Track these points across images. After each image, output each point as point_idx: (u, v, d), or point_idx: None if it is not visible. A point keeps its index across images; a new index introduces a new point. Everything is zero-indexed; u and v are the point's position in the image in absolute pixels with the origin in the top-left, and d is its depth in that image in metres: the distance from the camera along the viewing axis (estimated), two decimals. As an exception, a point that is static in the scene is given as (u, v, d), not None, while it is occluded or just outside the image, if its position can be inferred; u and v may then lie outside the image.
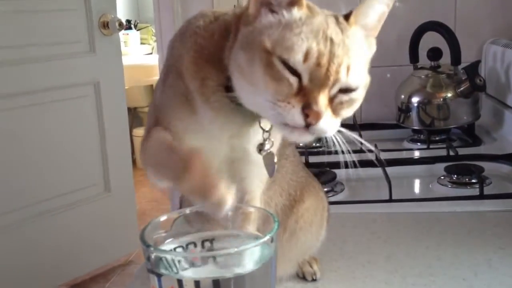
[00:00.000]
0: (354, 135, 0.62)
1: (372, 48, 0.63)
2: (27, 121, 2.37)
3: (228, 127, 0.64)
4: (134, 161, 3.27)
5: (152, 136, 0.65)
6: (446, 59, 1.53)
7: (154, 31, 4.55)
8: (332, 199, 1.13)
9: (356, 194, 1.19)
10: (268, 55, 0.55)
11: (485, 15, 1.72)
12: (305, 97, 0.55)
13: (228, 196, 0.53)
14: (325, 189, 1.09)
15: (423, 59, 1.58)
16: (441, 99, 1.51)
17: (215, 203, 0.52)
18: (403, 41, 1.64)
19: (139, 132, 4.43)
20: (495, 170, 1.26)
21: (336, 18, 0.59)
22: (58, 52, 2.44)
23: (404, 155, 1.44)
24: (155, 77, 4.13)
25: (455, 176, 1.22)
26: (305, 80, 0.55)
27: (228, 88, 0.62)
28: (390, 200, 1.11)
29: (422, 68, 1.58)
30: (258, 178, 0.69)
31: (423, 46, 1.59)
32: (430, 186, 1.23)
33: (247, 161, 0.67)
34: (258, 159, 0.67)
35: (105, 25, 2.59)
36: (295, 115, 0.55)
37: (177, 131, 0.65)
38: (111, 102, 2.68)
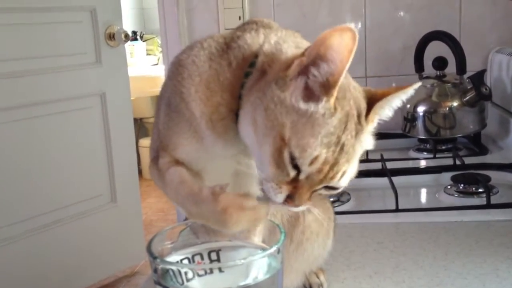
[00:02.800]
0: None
1: (371, 143, 0.64)
2: (33, 133, 2.38)
3: (230, 147, 0.65)
4: (140, 172, 3.28)
5: (167, 173, 0.65)
6: (451, 68, 1.53)
7: (159, 42, 4.58)
8: (339, 209, 1.13)
9: (363, 204, 1.19)
10: (283, 144, 0.57)
11: (490, 24, 1.72)
12: (294, 189, 0.59)
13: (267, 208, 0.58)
14: (331, 199, 1.09)
15: (429, 69, 1.59)
16: (447, 108, 1.51)
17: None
18: (408, 50, 1.64)
19: (145, 142, 4.44)
20: (502, 179, 1.25)
21: (358, 115, 0.60)
22: (64, 64, 2.46)
23: (410, 164, 1.43)
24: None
25: (462, 185, 1.21)
26: (302, 176, 0.58)
27: (237, 115, 0.63)
28: (397, 210, 1.11)
29: (427, 77, 1.58)
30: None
31: (428, 56, 1.59)
32: (437, 195, 1.23)
33: (251, 174, 0.67)
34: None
35: (111, 37, 2.60)
36: (278, 197, 0.59)
37: (182, 158, 0.66)
38: (117, 113, 2.69)
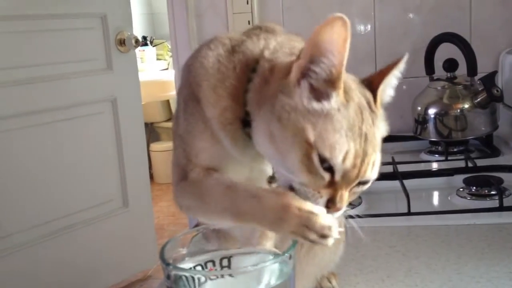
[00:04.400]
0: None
1: (386, 129, 0.65)
2: (46, 138, 2.40)
3: (247, 153, 0.65)
4: (151, 176, 3.29)
5: (207, 180, 0.65)
6: (462, 70, 1.52)
7: (169, 47, 4.60)
8: (349, 212, 1.12)
9: (374, 207, 1.18)
10: (309, 148, 0.56)
11: (501, 25, 1.71)
12: (334, 191, 0.58)
13: (328, 221, 0.56)
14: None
15: (439, 71, 1.58)
16: (458, 110, 1.50)
17: (322, 232, 0.55)
18: (418, 52, 1.64)
19: (157, 147, 4.46)
20: (515, 181, 1.24)
21: (368, 103, 0.61)
22: (76, 70, 2.47)
23: (422, 167, 1.43)
24: (171, 92, 4.16)
25: (474, 188, 1.21)
26: (338, 177, 0.58)
27: (244, 121, 0.63)
28: (409, 213, 1.10)
29: (438, 79, 1.57)
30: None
31: (438, 58, 1.58)
32: (449, 198, 1.22)
33: (263, 180, 0.67)
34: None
35: (122, 42, 2.62)
36: (319, 203, 0.58)
37: (206, 163, 0.66)
38: (128, 118, 2.70)
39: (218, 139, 0.65)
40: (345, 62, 0.56)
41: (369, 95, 0.62)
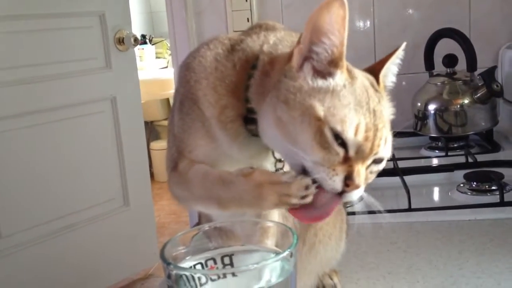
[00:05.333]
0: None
1: (391, 111, 0.65)
2: (46, 138, 2.40)
3: (246, 150, 0.65)
4: (152, 175, 3.29)
5: (189, 172, 0.65)
6: (462, 65, 1.52)
7: (169, 45, 4.59)
8: (351, 209, 1.12)
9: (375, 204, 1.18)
10: (320, 124, 0.56)
11: (500, 20, 1.71)
12: (350, 167, 0.57)
13: (304, 182, 0.56)
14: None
15: (439, 66, 1.58)
16: (458, 106, 1.50)
17: (301, 194, 0.56)
18: (418, 48, 1.63)
19: (157, 145, 4.46)
20: (515, 176, 1.24)
21: (372, 84, 0.61)
22: (74, 69, 2.47)
23: (422, 163, 1.43)
24: (171, 90, 4.15)
25: (475, 183, 1.21)
26: (352, 152, 0.57)
27: (246, 119, 0.63)
28: (410, 209, 1.10)
29: (438, 75, 1.57)
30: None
31: (438, 53, 1.58)
32: (450, 194, 1.22)
33: None
34: (273, 171, 0.68)
35: (121, 41, 2.62)
36: (336, 182, 0.57)
37: (200, 159, 0.66)
38: (128, 117, 2.70)
39: (214, 138, 0.65)
40: (345, 42, 0.57)
41: (371, 78, 0.63)
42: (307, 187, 0.56)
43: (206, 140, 0.66)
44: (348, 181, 0.57)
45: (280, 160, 0.67)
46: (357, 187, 0.57)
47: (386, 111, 0.62)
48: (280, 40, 0.65)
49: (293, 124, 0.57)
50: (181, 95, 0.68)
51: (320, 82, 0.57)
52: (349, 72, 0.59)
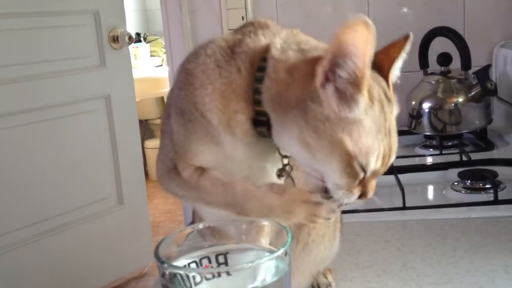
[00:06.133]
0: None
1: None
2: (40, 137, 2.39)
3: (249, 151, 0.65)
4: (146, 173, 3.28)
5: (199, 179, 0.67)
6: (456, 64, 1.52)
7: (163, 43, 4.58)
8: (345, 208, 1.12)
9: (369, 202, 1.17)
10: (350, 158, 0.59)
11: (494, 19, 1.71)
12: (364, 187, 0.63)
13: (331, 207, 0.63)
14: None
15: (433, 65, 1.58)
16: (453, 104, 1.50)
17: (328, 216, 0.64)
18: (412, 47, 1.62)
19: (151, 144, 4.45)
20: (509, 174, 1.25)
21: (385, 94, 0.62)
22: (69, 68, 2.46)
23: (416, 161, 1.43)
24: (166, 89, 4.15)
25: (469, 181, 1.21)
26: (368, 174, 0.61)
27: (255, 121, 0.64)
28: (404, 207, 1.10)
29: (432, 73, 1.58)
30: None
31: (432, 52, 1.58)
32: (444, 192, 1.22)
33: (262, 177, 0.67)
34: (272, 175, 0.68)
35: (115, 39, 2.61)
36: (352, 199, 0.63)
37: (201, 165, 0.67)
38: (122, 115, 2.70)
39: (218, 142, 0.65)
40: (369, 64, 0.57)
41: (384, 84, 0.63)
42: (333, 211, 0.63)
43: (209, 145, 0.65)
44: (362, 196, 0.63)
45: (286, 156, 0.67)
46: (366, 198, 0.64)
47: (395, 115, 0.64)
48: (287, 43, 0.64)
49: (321, 152, 0.60)
50: (182, 101, 0.66)
51: (347, 114, 0.59)
52: (369, 92, 0.59)
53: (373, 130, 0.59)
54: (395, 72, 0.65)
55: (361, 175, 0.61)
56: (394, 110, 0.63)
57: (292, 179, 0.68)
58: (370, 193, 0.63)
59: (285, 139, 0.62)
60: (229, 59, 0.65)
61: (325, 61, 0.58)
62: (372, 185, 0.63)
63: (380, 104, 0.60)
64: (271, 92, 0.62)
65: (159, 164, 0.71)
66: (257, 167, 0.68)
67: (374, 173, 0.62)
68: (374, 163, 0.60)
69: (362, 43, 0.55)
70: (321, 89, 0.58)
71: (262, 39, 0.65)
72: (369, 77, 0.58)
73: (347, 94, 0.58)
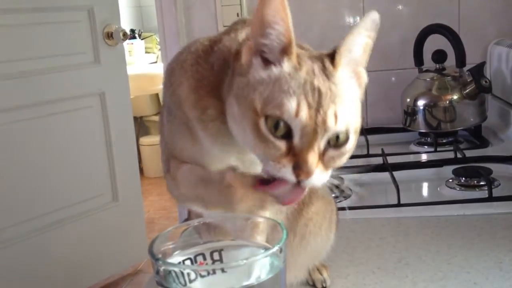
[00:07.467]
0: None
1: (362, 82, 0.62)
2: (34, 133, 2.38)
3: (228, 149, 0.65)
4: (141, 170, 3.28)
5: (178, 172, 0.66)
6: (451, 61, 1.52)
7: (158, 40, 4.57)
8: (340, 204, 1.12)
9: (364, 199, 1.18)
10: (256, 116, 0.56)
11: (489, 16, 1.72)
12: (295, 156, 0.55)
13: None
14: (333, 195, 1.08)
15: (428, 62, 1.58)
16: (447, 102, 1.50)
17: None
18: (407, 44, 1.64)
19: (146, 140, 4.44)
20: (504, 171, 1.25)
21: (322, 63, 0.59)
22: (63, 64, 2.45)
23: (411, 158, 1.43)
24: (160, 85, 4.11)
25: (463, 178, 1.21)
26: (296, 137, 0.55)
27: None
28: (399, 204, 1.10)
29: (427, 71, 1.58)
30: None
31: (427, 49, 1.58)
32: (439, 189, 1.23)
33: (253, 170, 0.67)
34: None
35: (109, 36, 2.60)
36: (286, 174, 0.56)
37: (188, 161, 0.66)
38: (117, 112, 2.69)
39: (198, 139, 0.65)
40: (291, 28, 0.56)
41: (325, 53, 0.60)
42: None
43: (192, 142, 0.66)
44: (296, 170, 0.55)
45: None
46: (308, 174, 0.55)
47: (341, 86, 0.58)
48: None
49: (241, 121, 0.57)
50: (167, 98, 0.69)
51: (263, 73, 0.57)
52: (300, 57, 0.58)
53: (293, 86, 0.56)
54: (355, 50, 0.60)
55: (280, 142, 0.55)
56: (333, 78, 0.57)
57: None
58: (305, 166, 0.55)
59: (230, 125, 0.60)
60: (207, 56, 0.65)
61: (251, 37, 0.58)
62: (306, 155, 0.55)
63: (312, 68, 0.57)
64: (226, 83, 0.62)
65: (162, 163, 0.72)
66: (246, 161, 0.67)
67: (305, 138, 0.55)
68: (294, 115, 0.54)
69: (278, 9, 0.56)
70: (249, 64, 0.58)
71: (242, 36, 0.65)
72: (294, 43, 0.58)
73: (273, 60, 0.57)
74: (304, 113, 0.54)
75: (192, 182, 0.63)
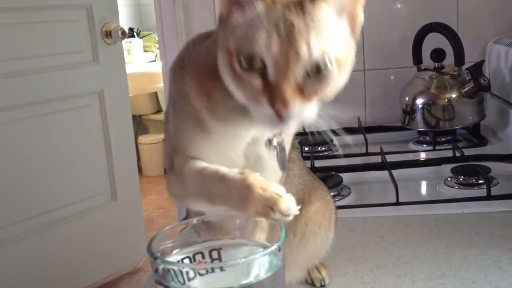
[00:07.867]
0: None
1: (357, 23, 0.63)
2: (32, 132, 2.38)
3: (240, 134, 0.65)
4: (140, 169, 3.28)
5: (185, 167, 0.65)
6: (449, 59, 1.53)
7: (157, 38, 4.57)
8: (339, 203, 1.12)
9: (363, 197, 1.18)
10: (230, 57, 0.56)
11: (488, 15, 1.72)
12: (271, 90, 0.55)
13: (292, 203, 0.57)
14: (332, 193, 1.09)
15: (427, 61, 1.58)
16: (446, 100, 1.50)
17: (287, 213, 0.56)
18: (406, 43, 1.64)
19: (145, 139, 4.44)
20: (502, 170, 1.25)
21: (300, 2, 0.58)
22: (61, 63, 2.45)
23: (410, 157, 1.43)
24: (159, 84, 4.14)
25: (462, 177, 1.21)
26: (270, 71, 0.55)
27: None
28: (397, 203, 1.11)
29: (426, 69, 1.58)
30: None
31: (426, 48, 1.58)
32: (437, 188, 1.23)
33: (259, 167, 0.67)
34: (270, 164, 0.67)
35: (108, 34, 2.60)
36: (265, 111, 0.55)
37: (195, 155, 0.66)
38: (115, 111, 2.69)
39: (207, 129, 0.65)
40: None
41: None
42: (291, 208, 0.57)
43: (201, 133, 0.65)
44: (275, 103, 0.55)
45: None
46: (284, 105, 0.54)
47: (317, 19, 0.57)
48: None
49: (223, 69, 0.58)
50: (173, 94, 0.69)
51: (242, 17, 0.57)
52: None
53: (265, 21, 0.55)
54: None
55: (255, 78, 0.55)
56: (309, 15, 0.56)
57: (281, 150, 0.67)
58: (280, 98, 0.54)
59: (226, 84, 0.60)
60: (202, 42, 0.67)
61: None
62: (282, 87, 0.54)
63: (286, 6, 0.56)
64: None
65: (164, 163, 0.72)
66: (251, 157, 0.67)
67: (278, 69, 0.54)
68: (266, 48, 0.54)
69: None
70: (228, 12, 0.59)
71: None
72: None
73: (248, 2, 0.57)
74: (275, 45, 0.54)
75: (204, 177, 0.62)
